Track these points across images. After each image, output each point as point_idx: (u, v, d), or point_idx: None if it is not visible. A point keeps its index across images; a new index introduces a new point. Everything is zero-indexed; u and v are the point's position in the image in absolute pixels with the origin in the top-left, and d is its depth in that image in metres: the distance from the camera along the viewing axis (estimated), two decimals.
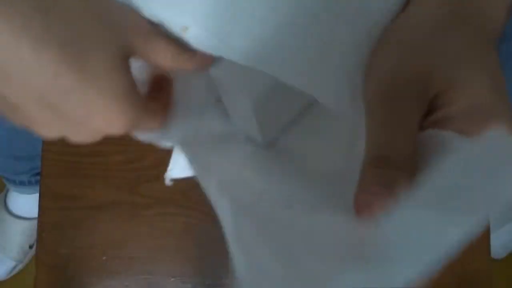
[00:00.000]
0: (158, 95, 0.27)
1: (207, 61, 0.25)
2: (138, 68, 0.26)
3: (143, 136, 0.27)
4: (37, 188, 0.82)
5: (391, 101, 0.20)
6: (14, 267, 0.92)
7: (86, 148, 0.45)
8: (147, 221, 0.44)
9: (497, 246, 0.89)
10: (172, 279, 0.44)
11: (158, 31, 0.24)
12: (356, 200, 0.19)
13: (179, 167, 0.38)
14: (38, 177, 0.80)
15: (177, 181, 0.45)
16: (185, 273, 0.44)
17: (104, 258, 0.44)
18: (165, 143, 0.28)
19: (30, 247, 0.92)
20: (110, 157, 0.45)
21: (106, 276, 0.44)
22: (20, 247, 0.91)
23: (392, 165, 0.19)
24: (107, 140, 0.45)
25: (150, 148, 0.45)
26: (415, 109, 0.20)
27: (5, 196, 0.92)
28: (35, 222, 0.90)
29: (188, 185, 0.45)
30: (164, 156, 0.45)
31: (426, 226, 0.16)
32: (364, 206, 0.19)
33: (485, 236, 0.45)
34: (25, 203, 0.88)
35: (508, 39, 0.45)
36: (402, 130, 0.19)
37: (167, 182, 0.38)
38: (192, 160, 0.26)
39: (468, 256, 0.44)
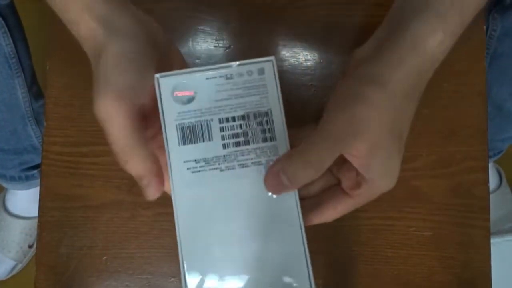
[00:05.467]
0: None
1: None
2: None
3: None
4: (29, 184, 0.83)
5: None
6: (14, 267, 0.92)
7: (86, 148, 0.45)
8: (147, 221, 0.44)
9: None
10: (172, 279, 0.44)
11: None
12: (274, 171, 0.30)
13: None
14: (28, 173, 0.80)
15: None
16: None
17: (104, 258, 0.44)
18: None
19: (30, 246, 0.92)
20: (110, 157, 0.45)
21: (106, 276, 0.44)
22: (20, 246, 0.91)
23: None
24: (107, 141, 0.45)
25: None
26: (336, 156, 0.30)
27: (4, 196, 0.92)
28: (34, 222, 0.90)
29: None
30: None
31: None
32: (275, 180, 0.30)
33: (485, 236, 0.45)
34: (23, 202, 0.88)
35: None
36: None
37: None
38: None
39: (468, 256, 0.44)
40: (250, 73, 0.32)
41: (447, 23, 0.30)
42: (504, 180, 0.92)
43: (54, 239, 0.44)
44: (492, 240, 0.44)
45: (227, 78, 0.32)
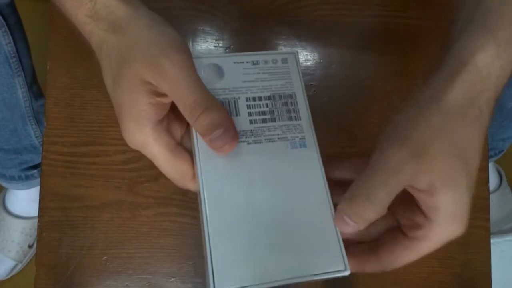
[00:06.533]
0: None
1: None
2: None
3: None
4: (29, 184, 0.83)
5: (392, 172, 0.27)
6: (14, 267, 0.92)
7: (86, 148, 0.45)
8: (147, 221, 0.44)
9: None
10: (172, 279, 0.44)
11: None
12: (339, 215, 0.28)
13: None
14: (28, 172, 0.80)
15: None
16: (185, 273, 0.44)
17: (104, 258, 0.44)
18: None
19: (30, 246, 0.92)
20: (110, 157, 0.45)
21: (106, 276, 0.44)
22: (20, 246, 0.91)
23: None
24: (107, 140, 0.45)
25: None
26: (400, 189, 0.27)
27: (4, 196, 0.92)
28: (34, 222, 0.89)
29: None
30: None
31: None
32: (342, 222, 0.28)
33: (485, 236, 0.45)
34: (23, 202, 0.88)
35: None
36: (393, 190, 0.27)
37: None
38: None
39: (468, 256, 0.44)
40: (275, 61, 0.34)
41: (498, 36, 0.28)
42: (504, 180, 0.92)
43: (54, 239, 0.44)
44: (492, 240, 0.44)
45: (254, 64, 0.34)
